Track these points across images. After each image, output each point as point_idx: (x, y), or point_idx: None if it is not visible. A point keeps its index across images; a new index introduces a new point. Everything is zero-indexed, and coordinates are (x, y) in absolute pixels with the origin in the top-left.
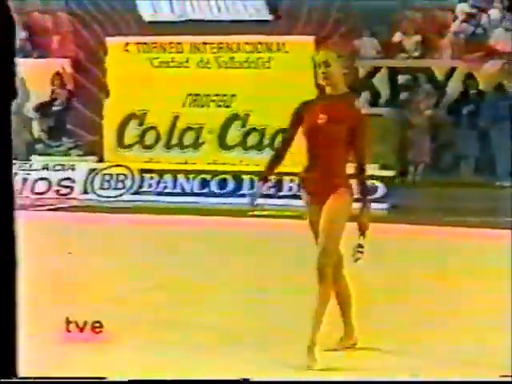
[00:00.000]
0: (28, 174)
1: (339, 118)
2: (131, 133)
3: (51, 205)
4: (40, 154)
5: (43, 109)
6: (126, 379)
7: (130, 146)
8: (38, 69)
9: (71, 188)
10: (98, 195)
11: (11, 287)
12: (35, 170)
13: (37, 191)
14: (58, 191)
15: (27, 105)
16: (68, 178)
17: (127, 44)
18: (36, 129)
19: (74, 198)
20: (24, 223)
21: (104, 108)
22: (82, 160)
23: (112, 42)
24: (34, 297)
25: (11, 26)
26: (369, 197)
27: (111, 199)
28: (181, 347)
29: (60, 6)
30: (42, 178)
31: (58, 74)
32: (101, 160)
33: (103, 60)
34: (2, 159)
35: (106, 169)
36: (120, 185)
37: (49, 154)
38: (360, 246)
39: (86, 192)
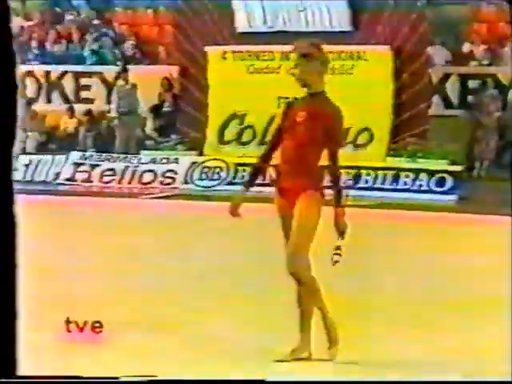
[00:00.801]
0: (137, 166)
1: (316, 117)
2: (231, 131)
3: (156, 194)
4: (149, 149)
5: (156, 110)
6: (126, 379)
7: (228, 143)
8: (147, 74)
9: (173, 179)
10: (196, 185)
11: (11, 287)
12: (144, 163)
13: (144, 181)
14: (162, 182)
15: (140, 106)
16: (172, 170)
17: (225, 52)
18: (149, 127)
19: (175, 188)
20: (132, 209)
21: (208, 109)
22: (185, 154)
23: (211, 50)
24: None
25: (10, 31)
26: (343, 194)
27: (208, 189)
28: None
29: (166, 19)
30: (149, 170)
31: (165, 79)
32: (201, 154)
33: (204, 67)
34: (3, 158)
35: (205, 162)
36: (216, 176)
37: (157, 149)
38: (338, 248)
39: (186, 182)
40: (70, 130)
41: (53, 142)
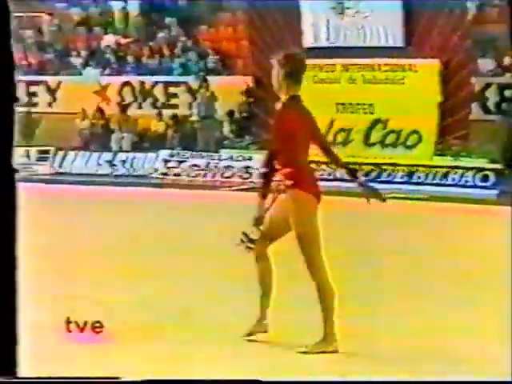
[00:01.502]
0: (217, 162)
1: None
2: None
3: (235, 186)
4: (226, 148)
5: (232, 115)
6: (126, 379)
7: None
8: (226, 84)
9: (250, 174)
10: None
11: (11, 287)
12: (224, 159)
13: (225, 176)
14: (240, 176)
15: (218, 112)
16: (249, 166)
17: None
18: (226, 129)
19: (252, 182)
20: (213, 199)
21: None
22: (258, 153)
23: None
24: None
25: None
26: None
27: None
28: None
29: (243, 36)
30: (228, 166)
31: (245, 89)
32: None
33: None
34: (3, 156)
35: None
36: None
37: (233, 148)
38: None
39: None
40: (159, 131)
41: (145, 141)
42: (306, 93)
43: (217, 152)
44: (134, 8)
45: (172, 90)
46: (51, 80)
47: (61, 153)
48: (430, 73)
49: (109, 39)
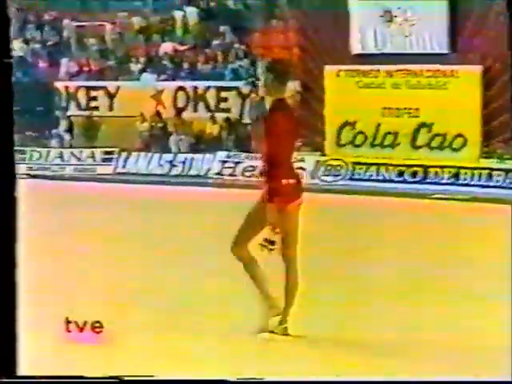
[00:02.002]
0: None
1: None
2: (346, 135)
3: None
4: None
5: None
6: (126, 379)
7: (344, 145)
8: None
9: (301, 175)
10: (322, 180)
11: (12, 288)
12: None
13: None
14: None
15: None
16: (300, 168)
17: (339, 71)
18: None
19: (304, 182)
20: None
21: (325, 118)
22: (309, 154)
23: (328, 69)
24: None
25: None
26: None
27: (330, 183)
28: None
29: (294, 42)
30: None
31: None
32: (323, 154)
33: (322, 83)
34: (4, 156)
35: (327, 161)
36: (337, 173)
37: None
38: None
39: (312, 177)
40: (214, 133)
41: (201, 143)
42: (352, 97)
43: None
44: (192, 16)
45: (224, 94)
46: (111, 85)
47: (124, 154)
48: (472, 78)
49: (166, 46)
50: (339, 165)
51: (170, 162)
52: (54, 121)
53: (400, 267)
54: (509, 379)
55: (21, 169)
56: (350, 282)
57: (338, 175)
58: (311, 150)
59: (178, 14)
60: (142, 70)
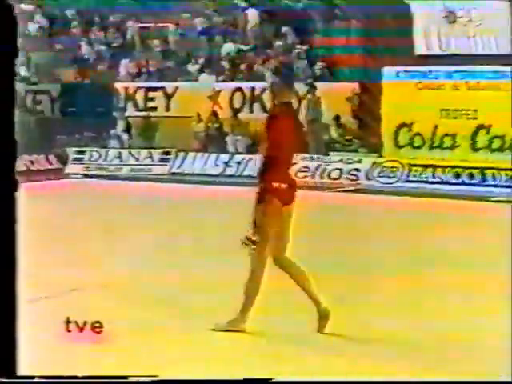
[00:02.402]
0: (327, 165)
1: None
2: (403, 137)
3: (342, 188)
4: (336, 151)
5: (338, 119)
6: (126, 379)
7: (402, 147)
8: (333, 90)
9: (357, 176)
10: (377, 181)
11: (11, 287)
12: (333, 162)
13: (332, 177)
14: (347, 178)
15: (324, 116)
16: (356, 169)
17: (398, 72)
18: (333, 133)
19: (359, 183)
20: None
21: (382, 119)
22: (367, 156)
23: (386, 69)
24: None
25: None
26: None
27: (386, 185)
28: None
29: (355, 44)
30: (337, 168)
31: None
32: (380, 156)
33: (379, 83)
34: (4, 156)
35: (384, 162)
36: (392, 174)
37: (342, 151)
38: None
39: (368, 179)
40: None
41: (258, 144)
42: (410, 98)
43: (327, 155)
44: (254, 17)
45: None
46: (169, 86)
47: (181, 154)
48: None
49: (228, 47)
50: (395, 166)
51: (226, 162)
52: (112, 121)
53: (454, 269)
54: (509, 379)
55: (77, 168)
56: (412, 282)
57: (393, 177)
58: (368, 151)
59: (239, 15)
60: (200, 71)
